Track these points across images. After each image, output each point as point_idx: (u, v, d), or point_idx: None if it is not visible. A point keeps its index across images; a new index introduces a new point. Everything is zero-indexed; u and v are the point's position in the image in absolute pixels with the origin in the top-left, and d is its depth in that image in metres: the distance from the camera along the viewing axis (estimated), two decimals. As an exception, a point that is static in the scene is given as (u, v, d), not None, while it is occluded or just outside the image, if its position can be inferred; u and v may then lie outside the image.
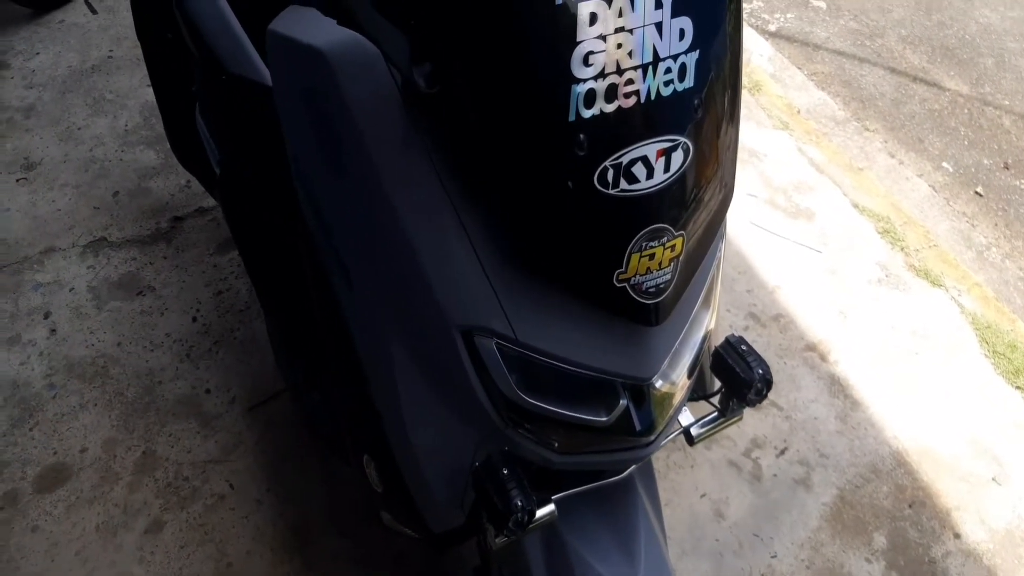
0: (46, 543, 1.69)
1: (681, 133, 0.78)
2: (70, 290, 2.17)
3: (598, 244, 0.81)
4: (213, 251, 2.28)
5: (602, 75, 0.73)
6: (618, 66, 0.73)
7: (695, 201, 0.84)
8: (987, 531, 1.87)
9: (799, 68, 3.39)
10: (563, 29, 0.71)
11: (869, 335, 2.25)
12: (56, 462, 1.82)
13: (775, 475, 1.91)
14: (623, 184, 0.77)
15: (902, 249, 2.49)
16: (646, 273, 0.82)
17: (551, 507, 0.95)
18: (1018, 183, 2.98)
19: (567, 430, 0.93)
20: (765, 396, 1.03)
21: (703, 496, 1.86)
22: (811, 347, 2.20)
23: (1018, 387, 2.14)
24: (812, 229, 2.54)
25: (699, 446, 1.93)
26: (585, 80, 0.72)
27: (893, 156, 3.02)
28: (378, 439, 1.01)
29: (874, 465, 1.96)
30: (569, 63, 0.72)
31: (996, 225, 2.80)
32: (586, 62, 0.72)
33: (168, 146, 2.09)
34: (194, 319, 2.12)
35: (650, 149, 0.77)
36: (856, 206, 2.63)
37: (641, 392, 0.92)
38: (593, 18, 0.71)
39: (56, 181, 2.44)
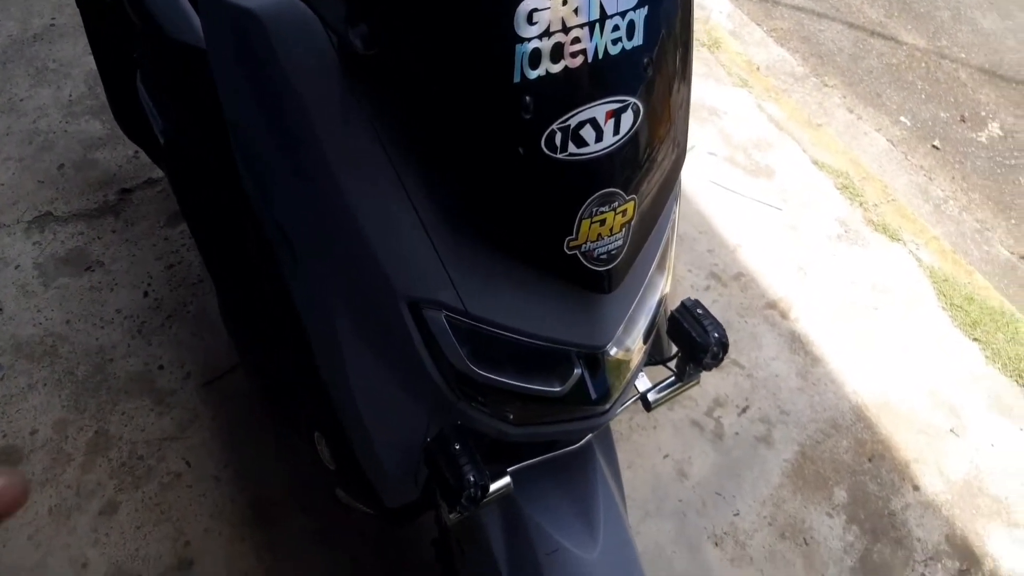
0: (-2, 527, 1.65)
1: (631, 93, 0.75)
2: (15, 267, 2.09)
3: (547, 210, 0.78)
4: (163, 223, 2.22)
5: (547, 33, 0.69)
6: (564, 24, 0.70)
7: (647, 163, 0.81)
8: (945, 482, 1.89)
9: (758, 24, 3.37)
10: None
11: (829, 291, 2.26)
12: (6, 445, 1.77)
13: (737, 433, 1.92)
14: (571, 148, 0.74)
15: (861, 204, 2.50)
16: (597, 239, 0.79)
17: (506, 480, 0.93)
18: (975, 136, 2.99)
19: (522, 401, 0.91)
20: (721, 360, 1.01)
21: (666, 457, 1.86)
22: (772, 305, 2.20)
23: (975, 339, 2.16)
24: (772, 186, 2.53)
25: (661, 407, 1.93)
26: (530, 39, 0.69)
27: (852, 111, 3.02)
28: (328, 415, 0.99)
29: (834, 420, 1.97)
30: (512, 21, 0.68)
31: (953, 178, 2.82)
32: (530, 20, 0.68)
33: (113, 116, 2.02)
34: (145, 294, 2.06)
35: (599, 111, 0.74)
36: (815, 162, 2.63)
37: (596, 360, 0.90)
38: None
39: (-2, 155, 2.35)
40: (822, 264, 2.31)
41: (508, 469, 0.95)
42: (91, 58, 2.58)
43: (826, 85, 3.13)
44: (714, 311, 2.07)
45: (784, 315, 2.18)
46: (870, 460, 1.91)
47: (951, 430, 1.98)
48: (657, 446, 1.87)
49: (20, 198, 2.25)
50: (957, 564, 1.77)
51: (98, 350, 1.94)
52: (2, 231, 2.17)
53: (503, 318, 0.84)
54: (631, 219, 0.81)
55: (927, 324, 2.20)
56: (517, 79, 0.70)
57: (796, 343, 2.12)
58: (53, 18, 2.80)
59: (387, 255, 0.82)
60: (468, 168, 0.78)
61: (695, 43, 3.06)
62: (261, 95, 0.86)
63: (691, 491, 1.81)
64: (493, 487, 0.90)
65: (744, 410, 1.97)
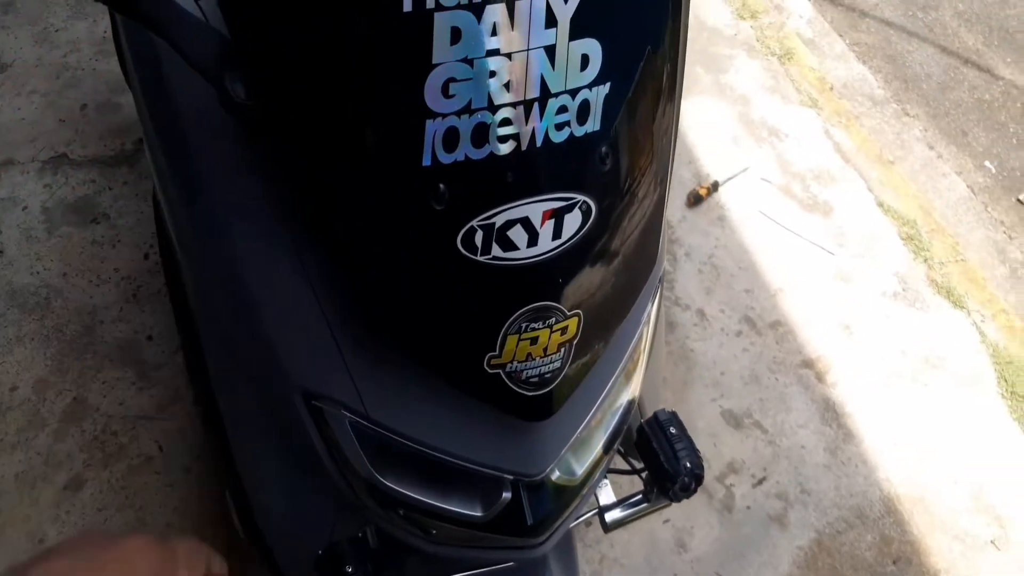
0: (-38, 487, 1.59)
1: (580, 190, 0.61)
2: (23, 209, 2.02)
3: (465, 321, 0.65)
4: (177, 182, 2.12)
5: (468, 110, 0.56)
6: (490, 100, 0.56)
7: (599, 271, 0.67)
8: (976, 603, 1.72)
9: (840, 36, 3.12)
10: (414, 46, 0.53)
11: (875, 356, 2.07)
12: (-17, 399, 1.71)
13: (748, 507, 1.77)
14: (496, 250, 0.60)
15: (925, 260, 2.29)
16: (527, 360, 0.66)
17: None
18: (1067, 194, 2.73)
19: (440, 521, 0.77)
20: (693, 492, 0.86)
21: (666, 522, 1.71)
22: (808, 363, 2.02)
23: (1033, 437, 1.96)
24: (828, 227, 2.33)
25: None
26: (445, 115, 0.56)
27: (932, 148, 2.78)
28: (238, 487, 0.87)
29: (860, 509, 1.80)
30: (422, 92, 0.55)
31: (1036, 240, 2.58)
32: (446, 92, 0.55)
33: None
34: (146, 256, 1.98)
35: (533, 210, 0.60)
36: (881, 204, 2.42)
37: (534, 484, 0.76)
38: (456, 35, 0.53)
39: (25, 87, 2.27)
40: (871, 324, 2.12)
41: None
42: (130, -7, 2.51)
43: (907, 114, 2.89)
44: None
45: (820, 377, 2.00)
46: (895, 563, 1.74)
47: (991, 541, 1.80)
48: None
49: (39, 135, 2.17)
50: None
51: (90, 310, 1.88)
52: (16, 169, 2.11)
53: (413, 431, 0.71)
54: (573, 338, 0.67)
55: (981, 412, 2.00)
56: (428, 162, 0.57)
57: (829, 412, 1.95)
58: (98, -52, 2.70)
59: (281, 336, 0.71)
60: (371, 260, 0.64)
61: (765, 52, 2.82)
62: (162, 114, 0.77)
63: (689, 566, 1.67)
64: None
65: (760, 481, 1.81)
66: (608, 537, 1.62)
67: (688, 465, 0.84)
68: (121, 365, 1.79)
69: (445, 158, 0.57)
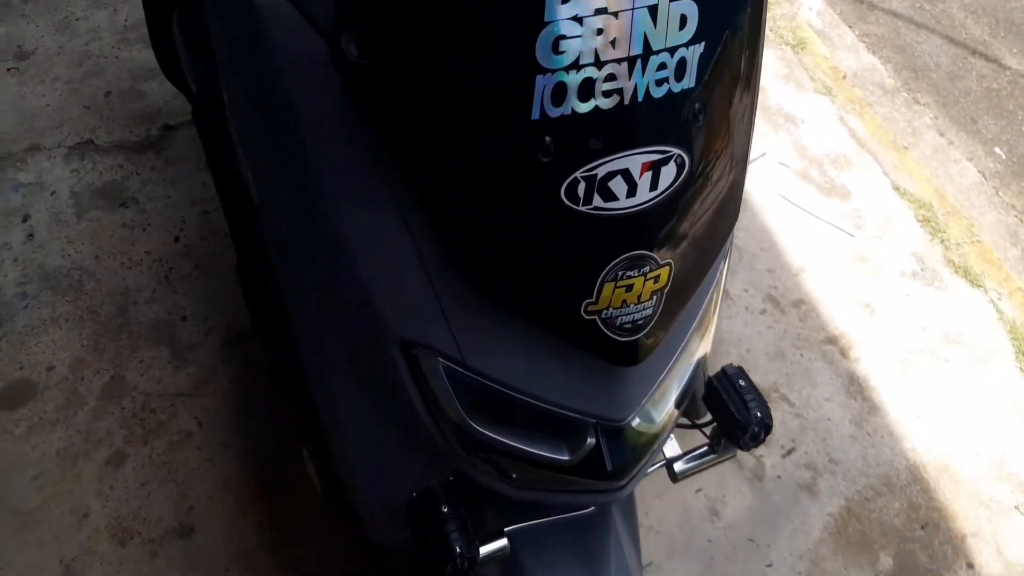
0: (5, 463, 1.62)
1: (676, 144, 0.64)
2: (51, 193, 2.04)
3: (566, 268, 0.68)
4: (203, 167, 2.14)
5: (576, 66, 0.59)
6: (597, 57, 0.59)
7: (689, 224, 0.70)
8: (1004, 564, 1.76)
9: (850, 27, 3.16)
10: (527, 4, 0.56)
11: (896, 333, 2.11)
12: (21, 377, 1.74)
13: (779, 477, 1.80)
14: (597, 201, 0.63)
15: (942, 241, 2.33)
16: (621, 306, 0.69)
17: (503, 542, 0.84)
18: (1074, 179, 2.79)
19: (526, 465, 0.81)
20: (762, 441, 0.89)
21: (698, 491, 1.75)
22: (832, 340, 2.06)
23: (1053, 408, 2.01)
24: (846, 209, 2.37)
25: (699, 436, 1.82)
26: (554, 71, 0.58)
27: (943, 135, 2.82)
28: (318, 440, 0.90)
29: (887, 477, 1.84)
30: (534, 48, 0.58)
31: (1047, 223, 2.63)
32: (556, 48, 0.58)
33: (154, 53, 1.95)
34: (176, 239, 2.00)
35: (633, 161, 0.63)
36: (896, 188, 2.46)
37: (615, 431, 0.80)
38: None
39: (48, 74, 2.29)
40: (892, 303, 2.16)
41: (507, 528, 0.86)
42: (153, -17, 2.53)
43: (917, 103, 2.93)
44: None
45: (844, 353, 2.04)
46: (923, 528, 1.78)
47: (1016, 507, 1.84)
48: (691, 479, 1.76)
49: (64, 121, 2.19)
50: (1006, 658, 1.65)
51: (123, 291, 1.90)
52: (42, 154, 2.13)
53: (507, 377, 0.74)
54: (664, 286, 0.70)
55: (1001, 385, 2.04)
56: (536, 116, 0.60)
57: (854, 386, 1.98)
58: (118, -63, 2.71)
59: (381, 287, 0.74)
60: (474, 210, 0.67)
61: (778, 41, 2.86)
62: (259, 89, 0.79)
63: (722, 533, 1.70)
64: (486, 550, 0.81)
65: (789, 452, 1.85)
66: (642, 506, 1.66)
67: (759, 415, 0.86)
68: (156, 345, 1.82)
69: (553, 112, 0.60)
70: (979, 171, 2.71)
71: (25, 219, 1.98)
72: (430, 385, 0.75)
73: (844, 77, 2.86)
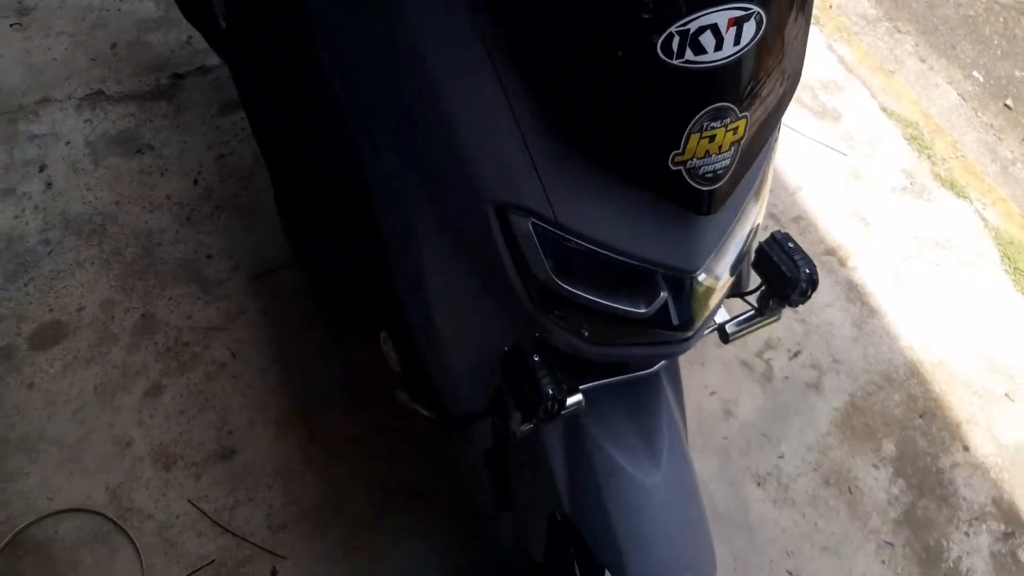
0: (43, 401, 1.66)
1: (755, 1, 0.70)
2: (66, 143, 2.07)
3: (655, 120, 0.73)
4: (215, 112, 2.18)
5: None
6: None
7: (762, 80, 0.76)
8: (996, 446, 1.88)
9: (834, -39, 3.23)
10: None
11: (890, 243, 2.21)
12: (52, 319, 1.77)
13: (787, 377, 1.90)
14: (688, 55, 0.68)
15: (928, 157, 2.43)
16: (704, 156, 0.75)
17: (579, 397, 0.91)
18: (1049, 99, 2.89)
19: (601, 320, 0.87)
20: (809, 296, 0.97)
21: (713, 394, 1.85)
22: (830, 251, 2.16)
23: (1037, 305, 2.13)
24: (838, 130, 2.46)
25: (711, 343, 1.91)
26: None
27: (923, 61, 2.91)
28: (399, 316, 0.96)
29: (887, 373, 1.95)
30: None
31: (1023, 140, 2.73)
32: None
33: (169, -3, 1.97)
34: (195, 182, 2.04)
35: (721, 17, 0.68)
36: (884, 109, 2.55)
37: (682, 285, 0.86)
38: None
39: (52, 28, 2.30)
40: (885, 215, 2.26)
41: (579, 387, 0.93)
42: (151, -67, 2.52)
43: (899, 31, 3.01)
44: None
45: (842, 263, 2.14)
46: (921, 417, 1.90)
47: (1006, 394, 1.96)
48: (704, 383, 1.86)
49: (72, 74, 2.21)
50: (1002, 527, 1.77)
51: (147, 234, 1.93)
52: (53, 106, 2.15)
53: (593, 231, 0.80)
54: (741, 138, 0.76)
55: (989, 286, 2.16)
56: None
57: (853, 292, 2.08)
58: None
59: (478, 155, 0.78)
60: (574, 65, 0.72)
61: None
62: None
63: (736, 430, 1.80)
64: (567, 402, 0.88)
65: (795, 355, 1.95)
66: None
67: (807, 271, 0.94)
68: (185, 282, 1.86)
69: None
70: (959, 94, 2.80)
71: (42, 169, 2.01)
72: (519, 245, 0.80)
73: (830, 7, 2.93)
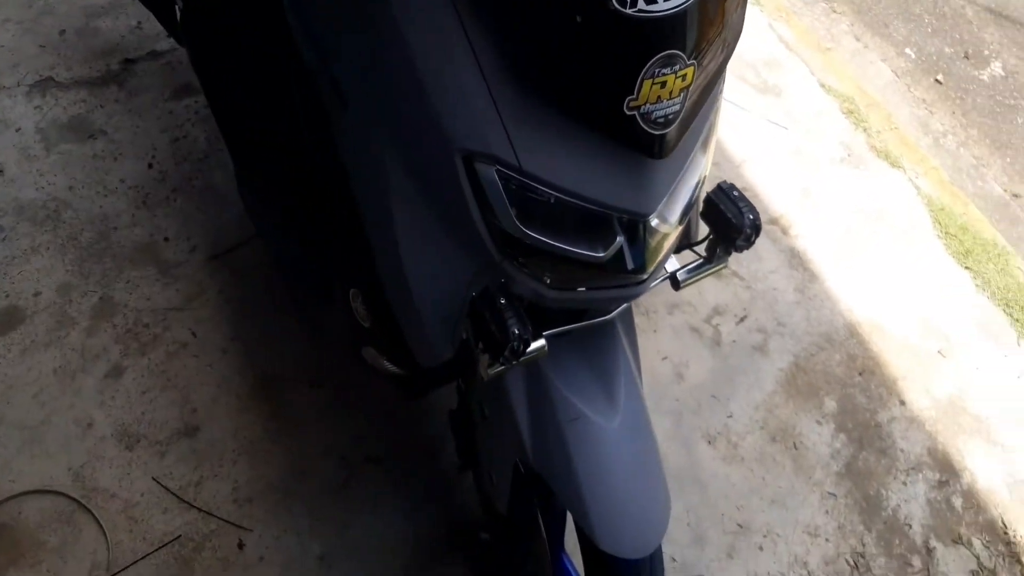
0: (2, 386, 1.66)
1: None
2: (16, 130, 2.05)
3: (611, 68, 0.77)
4: (168, 96, 2.18)
5: None
6: None
7: (708, 31, 0.81)
8: (931, 400, 1.98)
9: (771, -55, 3.32)
10: None
11: (830, 211, 2.30)
12: (8, 305, 1.77)
13: (734, 341, 1.98)
14: (641, 4, 0.73)
15: (865, 130, 2.52)
16: (656, 101, 0.79)
17: (542, 341, 0.95)
18: (977, 73, 3.01)
19: (562, 265, 0.92)
20: (753, 242, 1.03)
21: (664, 359, 1.91)
22: (773, 220, 2.24)
23: (967, 267, 2.23)
24: (780, 105, 2.54)
25: (662, 311, 1.98)
26: None
27: (858, 39, 3.02)
28: (368, 270, 1.00)
29: (828, 335, 2.04)
30: None
31: (954, 113, 2.85)
32: None
33: (127, -21, 1.96)
34: (150, 166, 2.04)
35: None
36: (823, 85, 2.64)
37: (636, 230, 0.91)
38: None
39: (-3, 16, 2.27)
40: (824, 185, 2.35)
41: (542, 334, 0.97)
42: (95, -81, 2.49)
43: (835, 11, 3.12)
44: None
45: (785, 231, 2.22)
46: (860, 374, 1.99)
47: (939, 352, 2.06)
48: (657, 349, 1.93)
49: (21, 61, 2.19)
50: (937, 475, 1.87)
51: (102, 218, 1.93)
52: (2, 93, 2.13)
53: (555, 178, 0.84)
54: (690, 84, 0.81)
55: (922, 250, 2.26)
56: None
57: (795, 259, 2.17)
58: None
59: (445, 106, 0.82)
60: (535, 18, 0.77)
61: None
62: None
63: (687, 392, 1.87)
64: (532, 346, 0.92)
65: (742, 319, 2.03)
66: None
67: (751, 217, 0.99)
68: (142, 265, 1.86)
69: None
70: (892, 70, 2.92)
71: (-8, 156, 1.98)
72: (485, 192, 0.84)
73: (770, -11, 3.02)
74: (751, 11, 2.85)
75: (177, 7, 1.64)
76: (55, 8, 2.32)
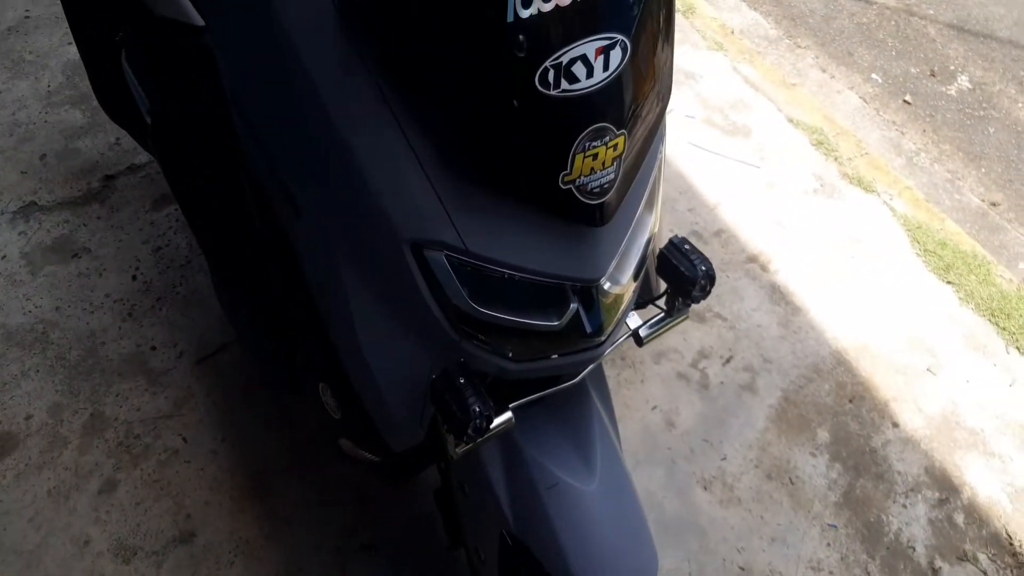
0: (-2, 512, 1.66)
1: (619, 31, 0.78)
2: (2, 257, 2.10)
3: (542, 147, 0.80)
4: (149, 208, 2.23)
5: None
6: None
7: (634, 100, 0.84)
8: (924, 418, 1.95)
9: (730, -10, 3.40)
10: None
11: (807, 243, 2.30)
12: (1, 431, 1.78)
13: (722, 383, 1.96)
14: (564, 84, 0.76)
15: (836, 159, 2.54)
16: (590, 173, 0.82)
17: (508, 415, 0.97)
18: (944, 89, 3.04)
19: (521, 337, 0.94)
20: (708, 292, 1.04)
21: (654, 408, 1.90)
22: (752, 259, 2.24)
23: (949, 281, 2.22)
24: (749, 145, 2.57)
25: (648, 361, 1.97)
26: None
27: (824, 71, 3.06)
28: (333, 364, 1.01)
29: (815, 366, 2.02)
30: None
31: (924, 131, 2.86)
32: None
33: (95, 103, 2.02)
34: (134, 277, 2.07)
35: (589, 48, 0.76)
36: (791, 120, 2.67)
37: (590, 294, 0.93)
38: None
39: (-23, 148, 2.35)
40: (800, 217, 2.36)
41: (509, 405, 0.98)
42: (68, 48, 2.60)
43: (799, 47, 3.17)
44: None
45: (764, 268, 2.22)
46: (851, 401, 1.96)
47: (928, 369, 2.03)
48: (645, 399, 1.91)
49: (3, 189, 2.25)
50: (936, 494, 1.83)
51: (89, 334, 1.96)
52: (-13, 222, 2.18)
53: (502, 255, 0.86)
54: (622, 153, 0.84)
55: (902, 270, 2.25)
56: (511, 19, 0.73)
57: (776, 294, 2.16)
58: (27, 10, 2.79)
59: (389, 199, 0.85)
60: (465, 108, 0.80)
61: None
62: (262, 56, 0.90)
63: (679, 439, 1.85)
64: (496, 421, 0.94)
65: (728, 360, 2.01)
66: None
67: (703, 268, 1.01)
68: (131, 376, 1.88)
69: (523, 13, 0.72)
70: (860, 97, 2.95)
71: (-20, 286, 2.03)
72: (436, 276, 0.87)
73: (732, 33, 3.08)
74: (715, 56, 2.90)
75: (146, 121, 1.70)
76: (35, 134, 2.39)
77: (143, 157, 2.33)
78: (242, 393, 1.87)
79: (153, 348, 1.94)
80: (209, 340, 1.95)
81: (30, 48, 2.66)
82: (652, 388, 1.93)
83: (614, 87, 0.80)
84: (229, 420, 1.82)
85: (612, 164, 0.83)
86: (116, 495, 1.70)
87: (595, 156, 0.81)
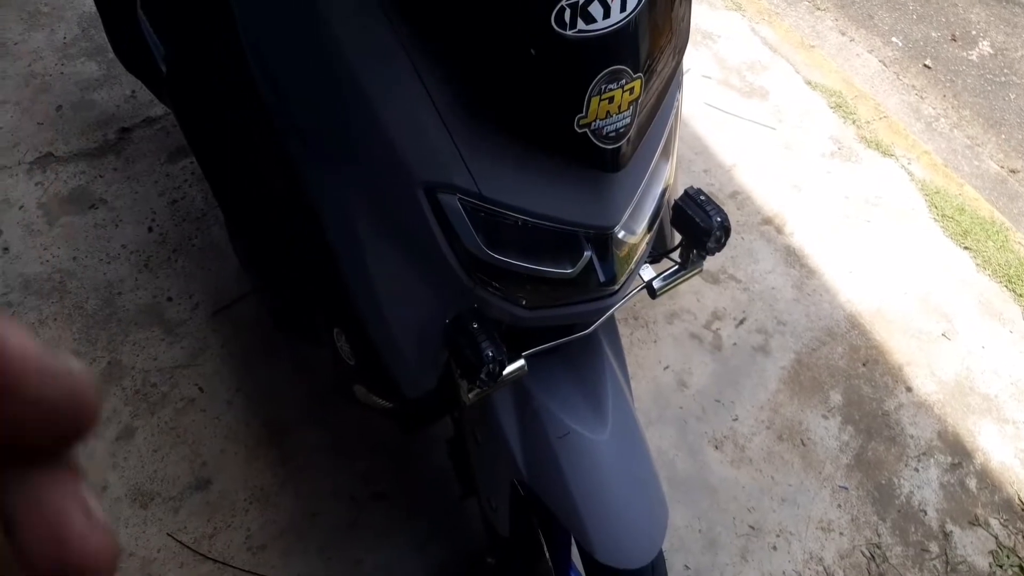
0: (17, 457, 1.70)
1: None
2: (19, 208, 2.11)
3: (558, 88, 0.79)
4: (164, 160, 2.23)
5: None
6: None
7: (652, 42, 0.83)
8: (937, 383, 1.95)
9: (749, -50, 3.34)
10: None
11: (823, 206, 2.29)
12: (21, 379, 1.81)
13: (735, 344, 1.97)
14: (580, 24, 0.75)
15: (854, 122, 2.52)
16: (606, 117, 0.81)
17: (521, 362, 0.96)
18: (965, 54, 2.99)
19: (534, 285, 0.93)
20: (724, 244, 1.03)
21: (666, 368, 1.91)
22: (767, 221, 2.23)
23: (966, 247, 2.21)
24: (766, 107, 2.54)
25: (661, 321, 1.97)
26: None
27: (844, 33, 3.01)
28: (348, 310, 1.02)
29: (829, 328, 2.02)
30: None
31: (944, 96, 2.83)
32: None
33: (110, 55, 2.02)
34: (150, 229, 2.08)
35: None
36: (809, 83, 2.64)
37: (604, 243, 0.92)
38: None
39: (-5, 99, 2.35)
40: (816, 180, 2.34)
41: (522, 354, 0.98)
42: (83, 0, 2.59)
43: (818, 8, 3.12)
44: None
45: (779, 230, 2.21)
46: (864, 365, 1.96)
47: (943, 334, 2.03)
48: (658, 359, 1.92)
49: (20, 140, 2.25)
50: (949, 459, 1.84)
51: (106, 284, 1.97)
52: (4, 172, 2.18)
53: (516, 200, 0.85)
54: (638, 97, 0.82)
55: (919, 234, 2.24)
56: None
57: (792, 257, 2.16)
58: (42, -38, 2.78)
59: (404, 142, 0.84)
60: (481, 50, 0.79)
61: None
62: (278, 3, 0.89)
63: (691, 399, 1.86)
64: (509, 368, 0.93)
65: (741, 322, 2.01)
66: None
67: (719, 219, 1.00)
68: (147, 326, 1.90)
69: None
70: (880, 60, 2.91)
71: (-2, 235, 2.05)
72: (450, 221, 0.86)
73: (750, -7, 3.04)
74: (733, 17, 2.86)
75: (161, 70, 1.69)
76: (51, 85, 2.39)
77: (159, 110, 2.33)
78: (258, 344, 1.88)
79: (169, 299, 1.96)
80: (225, 292, 1.97)
81: (45, 0, 2.64)
82: (665, 348, 1.94)
83: (631, 29, 0.78)
84: (244, 371, 1.84)
85: (628, 108, 0.82)
86: (133, 442, 1.73)
87: (611, 99, 0.80)
